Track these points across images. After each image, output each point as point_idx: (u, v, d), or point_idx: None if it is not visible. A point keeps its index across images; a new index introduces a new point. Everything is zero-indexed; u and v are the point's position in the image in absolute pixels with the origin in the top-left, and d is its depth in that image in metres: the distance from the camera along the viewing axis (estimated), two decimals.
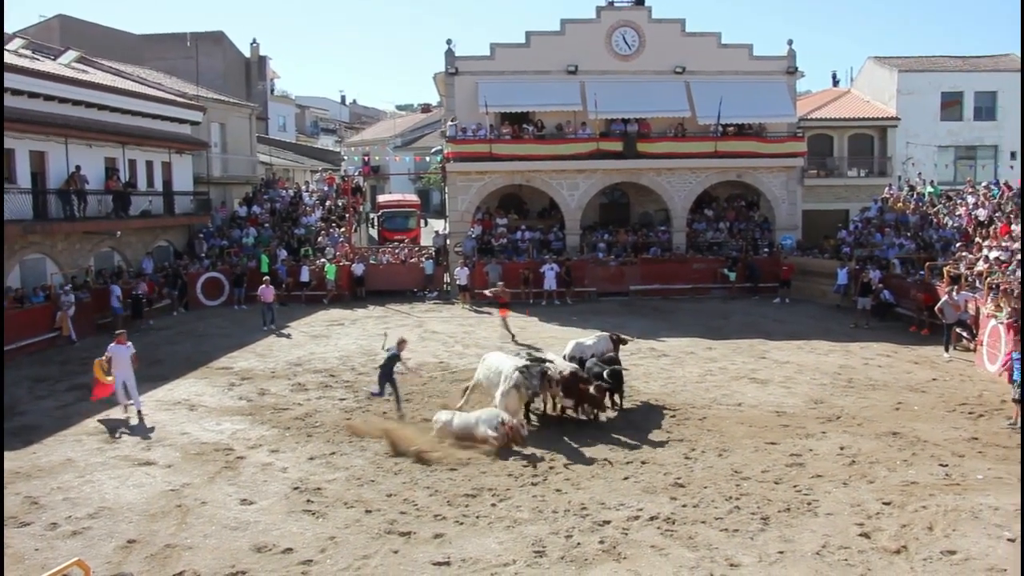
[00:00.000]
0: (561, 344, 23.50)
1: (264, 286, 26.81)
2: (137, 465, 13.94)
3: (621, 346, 18.79)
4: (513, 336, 23.93)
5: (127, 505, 12.19)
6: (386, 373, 16.83)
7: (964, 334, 22.29)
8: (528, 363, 15.90)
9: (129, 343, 17.16)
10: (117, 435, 15.55)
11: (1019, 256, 23.38)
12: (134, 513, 11.89)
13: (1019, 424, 15.43)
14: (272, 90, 63.67)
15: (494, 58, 34.16)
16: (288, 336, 25.03)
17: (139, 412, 16.62)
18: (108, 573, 10.13)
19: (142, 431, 15.84)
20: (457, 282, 30.60)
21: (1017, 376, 15.58)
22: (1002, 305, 20.23)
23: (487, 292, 26.45)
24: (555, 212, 35.19)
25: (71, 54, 32.48)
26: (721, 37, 34.85)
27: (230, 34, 55.90)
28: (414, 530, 11.28)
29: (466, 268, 30.58)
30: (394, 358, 16.78)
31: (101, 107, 28.63)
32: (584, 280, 32.18)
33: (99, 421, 16.47)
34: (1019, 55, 41.49)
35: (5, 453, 14.10)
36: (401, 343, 17.21)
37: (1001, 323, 19.44)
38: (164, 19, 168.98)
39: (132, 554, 10.66)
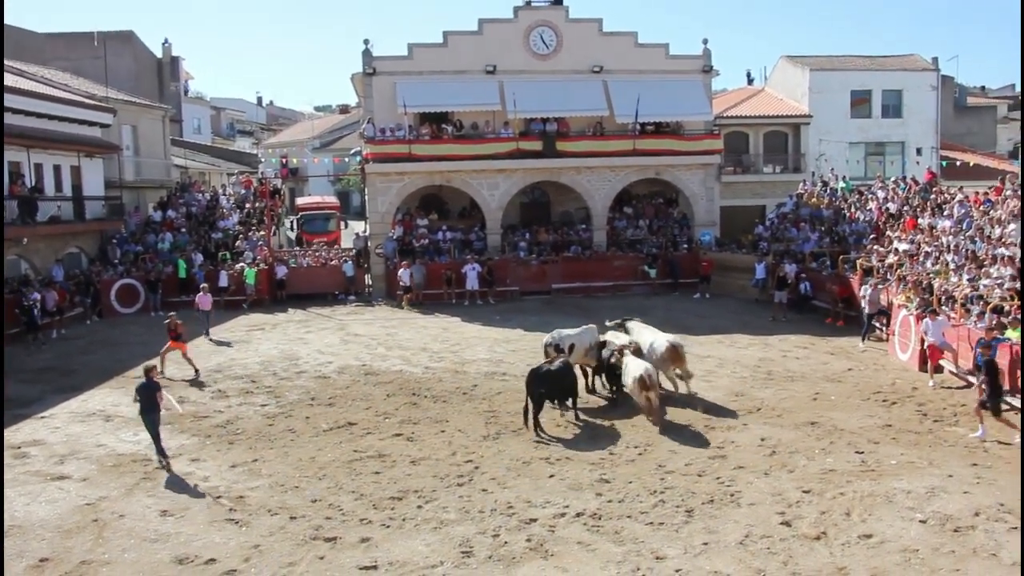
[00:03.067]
0: (485, 344, 23.59)
1: (201, 293, 25.52)
2: (50, 480, 13.48)
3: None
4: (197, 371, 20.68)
5: (39, 522, 11.77)
6: (147, 410, 14.18)
7: (878, 325, 22.97)
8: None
9: None
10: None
11: (926, 249, 24.22)
12: (47, 530, 11.49)
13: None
14: (186, 91, 62.20)
15: (412, 58, 33.95)
16: (211, 342, 24.46)
17: None
18: None
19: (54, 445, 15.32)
20: (400, 283, 30.33)
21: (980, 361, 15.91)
22: (911, 297, 20.90)
23: None
24: (476, 212, 35.15)
25: None
26: (638, 36, 35.21)
27: (140, 33, 54.58)
28: (340, 535, 11.16)
29: (409, 269, 30.33)
30: (148, 388, 14.36)
31: (3, 109, 27.57)
32: (506, 279, 32.22)
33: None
34: (922, 56, 43.05)
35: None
36: (150, 371, 14.81)
37: (911, 314, 20.06)
38: (70, 17, 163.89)
39: (45, 573, 10.32)
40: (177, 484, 13.19)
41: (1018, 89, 57.90)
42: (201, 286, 26.13)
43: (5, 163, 26.01)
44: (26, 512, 12.13)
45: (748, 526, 11.14)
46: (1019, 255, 20.23)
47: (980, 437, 14.47)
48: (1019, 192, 24.20)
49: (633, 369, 16.17)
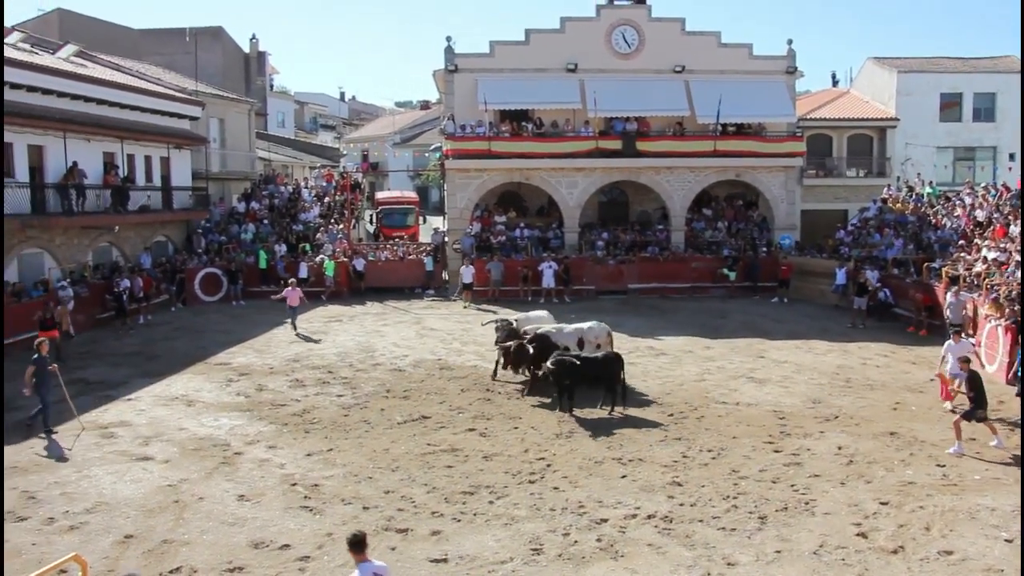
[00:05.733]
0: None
1: (290, 288, 25.31)
2: (135, 460, 13.93)
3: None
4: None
5: (124, 500, 12.18)
6: (41, 383, 15.33)
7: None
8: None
9: None
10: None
11: (1017, 257, 23.40)
12: (131, 508, 11.89)
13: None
14: (271, 86, 63.57)
15: (493, 55, 34.14)
16: (295, 333, 24.80)
17: None
18: (105, 568, 10.13)
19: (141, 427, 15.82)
20: (462, 280, 30.50)
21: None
22: (1001, 307, 20.24)
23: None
24: (554, 210, 35.18)
25: (70, 48, 32.41)
26: (721, 36, 34.86)
27: (229, 29, 55.91)
28: (411, 527, 11.28)
29: (471, 267, 30.50)
30: (40, 361, 15.42)
31: (100, 102, 28.52)
32: (583, 278, 32.18)
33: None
34: (1018, 57, 41.53)
35: (4, 447, 14.08)
36: (40, 345, 15.83)
37: (999, 325, 19.44)
38: (163, 14, 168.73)
39: (129, 549, 10.66)
40: (255, 470, 13.50)
41: None
42: (289, 281, 26.34)
43: (93, 155, 26.90)
44: (113, 490, 12.57)
45: (822, 536, 10.93)
46: None
47: (956, 452, 14.08)
48: None
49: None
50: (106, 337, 24.29)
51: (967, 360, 15.26)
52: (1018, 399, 17.35)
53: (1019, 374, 15.63)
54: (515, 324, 19.72)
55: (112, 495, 12.38)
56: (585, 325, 19.94)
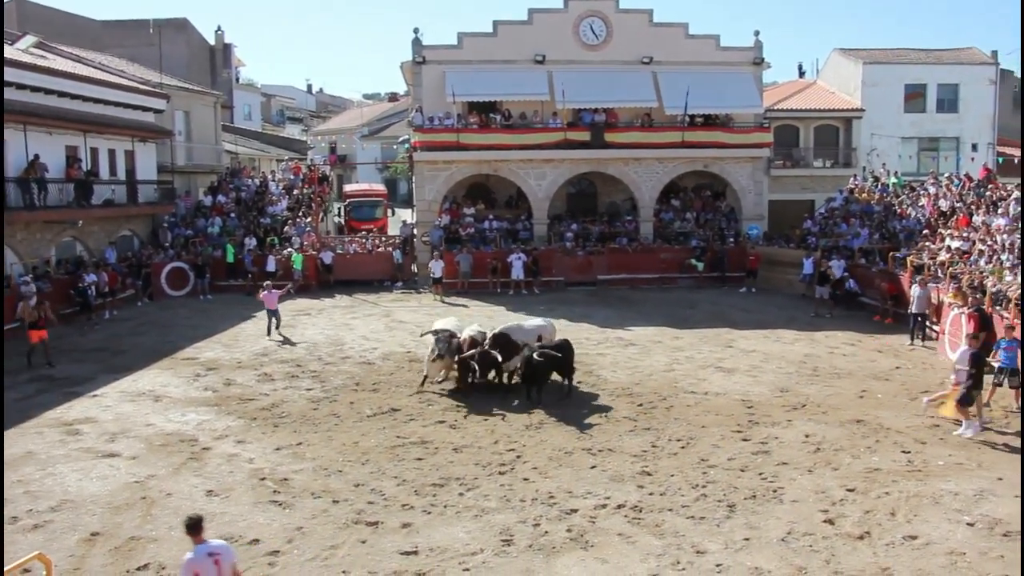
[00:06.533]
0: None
1: (266, 292, 23.63)
2: (101, 457, 13.77)
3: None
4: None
5: (90, 497, 12.04)
6: None
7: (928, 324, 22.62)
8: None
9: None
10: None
11: (981, 246, 23.73)
12: (97, 506, 11.75)
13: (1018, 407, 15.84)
14: (237, 78, 62.91)
15: (461, 47, 34.01)
16: (269, 338, 23.66)
17: None
18: (71, 567, 10.01)
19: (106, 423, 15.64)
20: (432, 275, 30.31)
21: (1007, 363, 15.84)
22: (965, 295, 20.50)
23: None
24: (523, 202, 35.18)
25: (29, 39, 31.91)
26: (688, 28, 34.92)
27: (194, 21, 55.34)
28: (382, 520, 11.26)
29: (441, 261, 30.34)
30: None
31: (61, 94, 28.12)
32: (552, 270, 32.22)
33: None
34: (980, 49, 42.12)
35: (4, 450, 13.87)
36: None
37: (963, 313, 19.70)
38: (126, 5, 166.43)
39: (95, 547, 10.54)
40: (223, 465, 13.40)
41: None
42: (266, 283, 24.72)
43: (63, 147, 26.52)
44: (78, 487, 12.42)
45: (790, 523, 11.04)
46: None
47: (975, 431, 14.39)
48: None
49: None
50: (71, 333, 23.98)
51: (976, 337, 15.46)
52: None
53: (1020, 366, 15.83)
54: (456, 339, 18.02)
55: (77, 492, 12.23)
56: (540, 321, 19.59)
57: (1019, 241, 22.26)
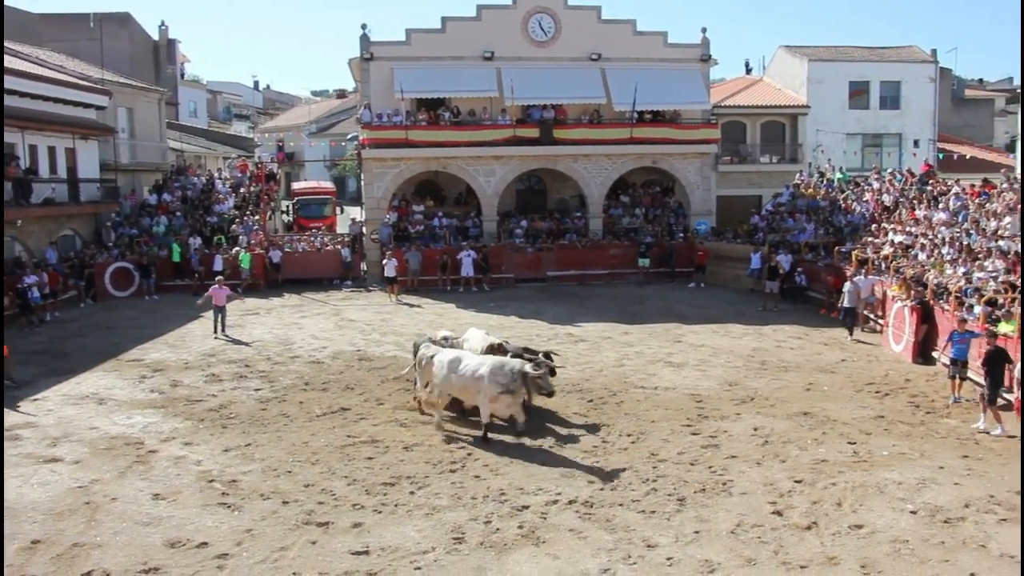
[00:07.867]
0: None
1: (216, 287, 23.41)
2: (42, 463, 13.44)
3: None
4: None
5: (31, 504, 11.74)
6: None
7: (872, 316, 23.01)
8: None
9: None
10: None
11: (922, 241, 24.21)
12: (39, 512, 11.47)
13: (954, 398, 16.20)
14: (182, 74, 61.88)
15: (410, 43, 33.83)
16: (216, 336, 23.42)
17: None
18: (11, 575, 9.76)
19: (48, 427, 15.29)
20: (384, 274, 29.94)
21: (958, 355, 16.14)
22: (907, 287, 20.89)
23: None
24: (472, 199, 35.13)
25: None
26: (636, 24, 35.13)
27: (137, 15, 54.29)
28: (332, 520, 11.16)
29: (394, 260, 29.99)
30: None
31: (3, 96, 27.39)
32: (501, 266, 32.22)
33: None
34: (921, 47, 42.97)
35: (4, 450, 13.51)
36: None
37: (906, 306, 20.07)
38: None
39: (36, 555, 10.29)
40: (170, 468, 13.17)
41: (1016, 82, 57.90)
42: (216, 279, 24.67)
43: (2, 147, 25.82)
44: (18, 494, 12.10)
45: (739, 515, 11.17)
46: (1015, 248, 20.20)
47: (1002, 432, 14.26)
48: (1015, 185, 24.20)
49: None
50: (10, 336, 23.29)
51: (994, 335, 15.62)
52: (917, 373, 17.98)
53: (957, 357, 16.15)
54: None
55: (17, 500, 11.91)
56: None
57: (1016, 246, 21.90)
